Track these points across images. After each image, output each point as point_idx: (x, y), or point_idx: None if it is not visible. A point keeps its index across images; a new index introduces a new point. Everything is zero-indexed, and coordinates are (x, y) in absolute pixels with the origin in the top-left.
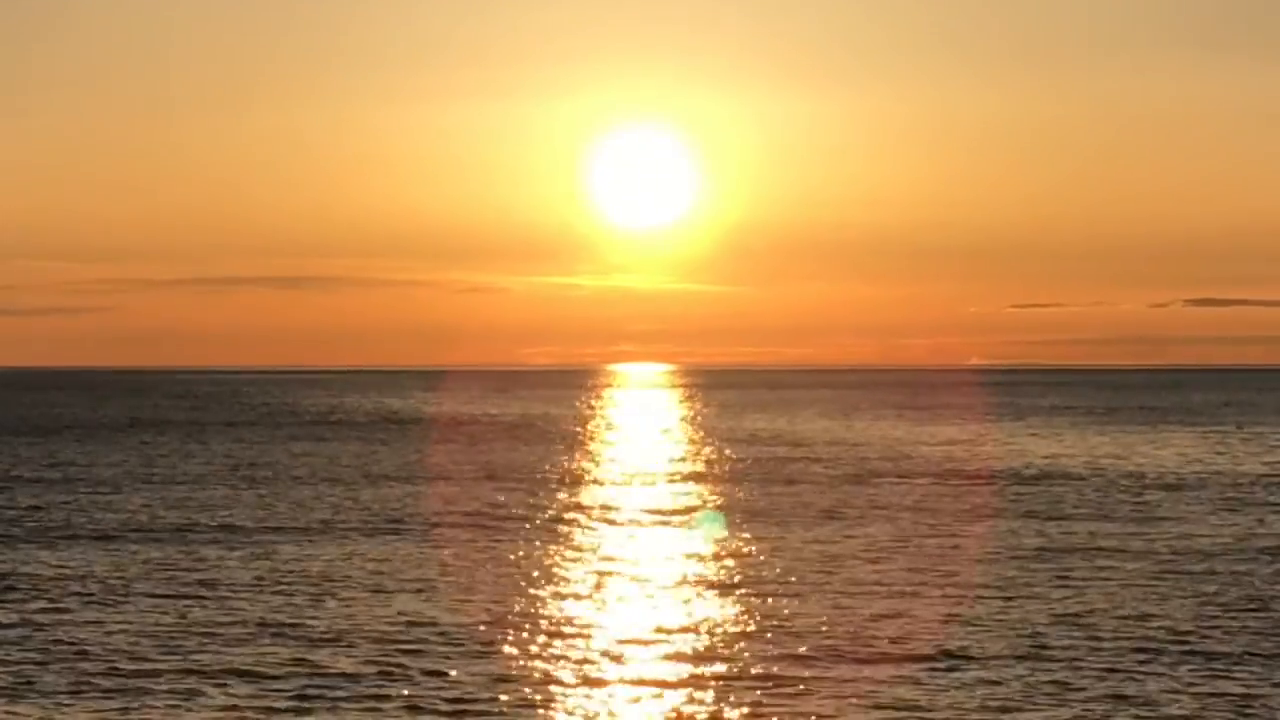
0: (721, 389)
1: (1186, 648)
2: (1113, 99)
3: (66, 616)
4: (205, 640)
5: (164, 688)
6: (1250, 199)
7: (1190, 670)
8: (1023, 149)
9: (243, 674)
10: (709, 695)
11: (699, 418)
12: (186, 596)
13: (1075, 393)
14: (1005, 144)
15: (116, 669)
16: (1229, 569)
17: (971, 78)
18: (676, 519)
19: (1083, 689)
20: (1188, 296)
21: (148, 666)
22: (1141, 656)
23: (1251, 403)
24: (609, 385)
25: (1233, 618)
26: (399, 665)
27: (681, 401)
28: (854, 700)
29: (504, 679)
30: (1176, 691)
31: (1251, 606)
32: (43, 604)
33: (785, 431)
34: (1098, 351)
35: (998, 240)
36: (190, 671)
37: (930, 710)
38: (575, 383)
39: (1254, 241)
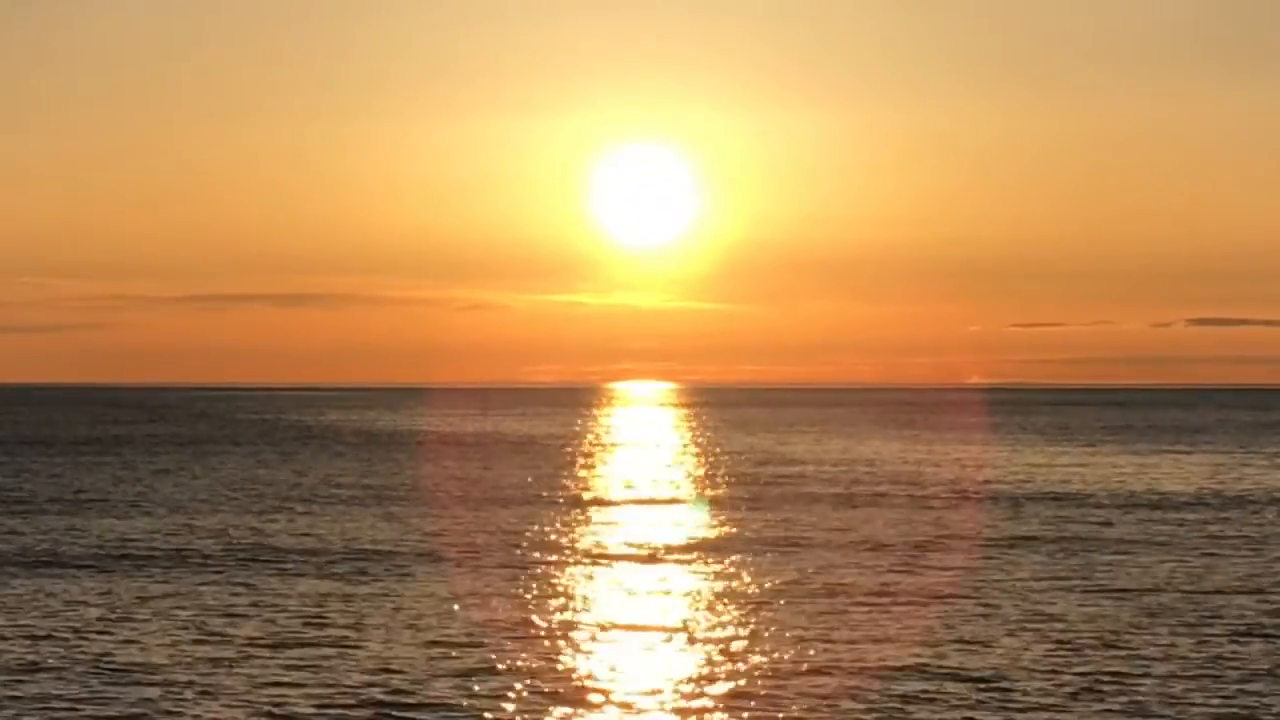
0: (723, 407)
1: (1216, 679)
2: (1115, 117)
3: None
4: (198, 667)
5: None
6: (1254, 218)
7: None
8: (1025, 167)
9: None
10: None
11: (701, 436)
12: (183, 625)
13: (1076, 412)
14: (1007, 162)
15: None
16: (1241, 594)
17: (973, 96)
18: (685, 545)
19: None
20: (1191, 316)
21: (144, 695)
22: (1165, 690)
23: (1256, 422)
24: (611, 403)
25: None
26: (385, 703)
27: (684, 420)
28: None
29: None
30: None
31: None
32: (49, 626)
33: (789, 451)
34: (1100, 371)
35: (999, 259)
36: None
37: None
38: (578, 400)
39: (1258, 261)
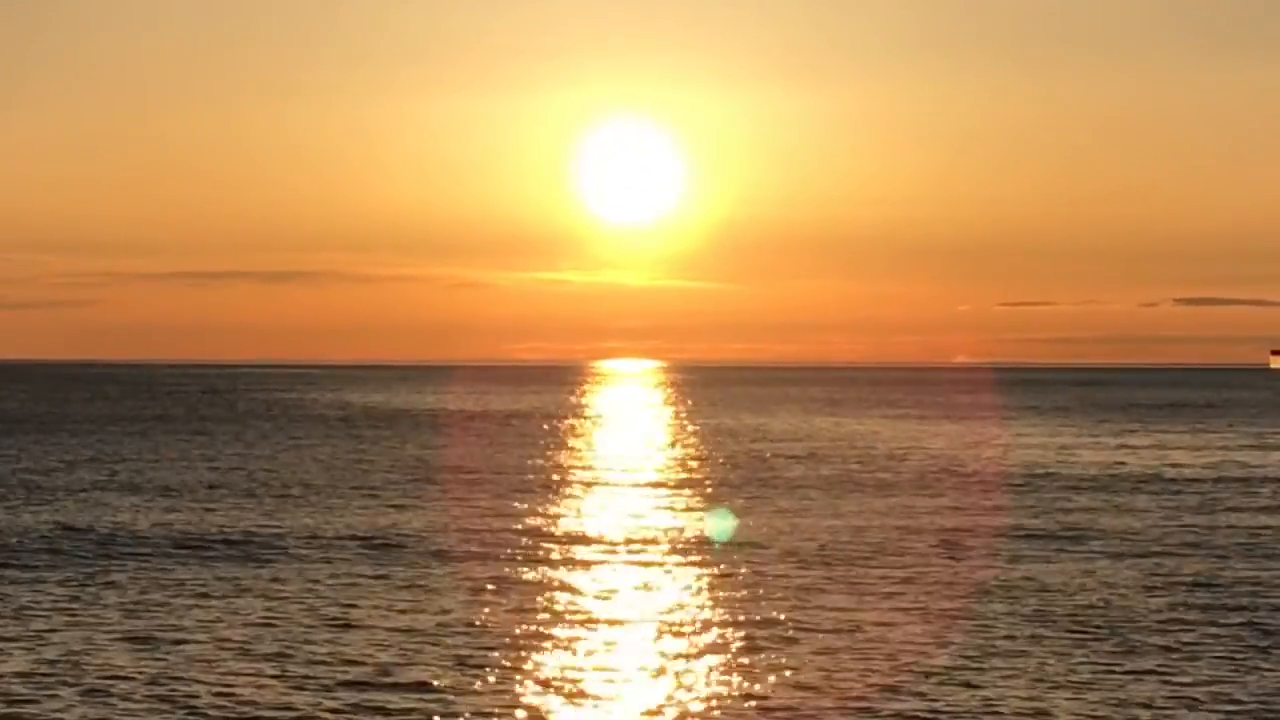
0: (710, 386)
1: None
2: (1103, 97)
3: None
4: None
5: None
6: (1242, 198)
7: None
8: (1013, 147)
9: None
10: None
11: (688, 415)
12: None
13: (1062, 391)
14: (995, 141)
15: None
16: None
17: (961, 75)
18: (672, 534)
19: None
20: (1178, 296)
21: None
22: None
23: (1240, 401)
24: (598, 381)
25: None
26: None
27: (670, 398)
28: None
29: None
30: None
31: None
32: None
33: (776, 429)
34: (1087, 350)
35: (987, 238)
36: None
37: None
38: (564, 379)
39: (1245, 241)
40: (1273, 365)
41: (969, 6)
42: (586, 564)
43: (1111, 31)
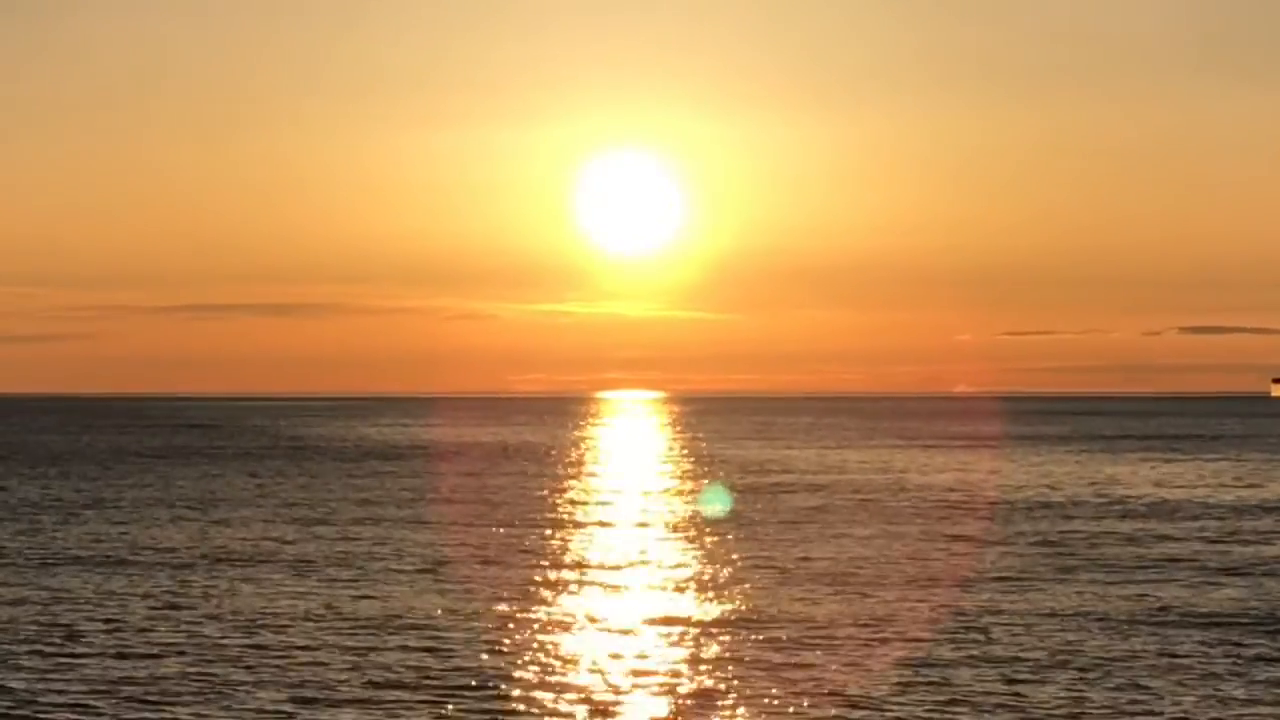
0: (711, 416)
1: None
2: (1105, 126)
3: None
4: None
5: None
6: (1245, 226)
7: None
8: (1015, 176)
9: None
10: None
11: (690, 446)
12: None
13: (1065, 421)
14: (997, 171)
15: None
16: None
17: (963, 105)
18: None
19: None
20: (1181, 324)
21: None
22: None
23: (1243, 433)
24: (599, 412)
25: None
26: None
27: (671, 429)
28: None
29: None
30: None
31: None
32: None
33: (778, 460)
34: (1090, 379)
35: (990, 268)
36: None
37: None
38: (565, 410)
39: (1248, 269)
40: (1274, 394)
41: (970, 36)
42: (591, 598)
43: (1113, 60)
